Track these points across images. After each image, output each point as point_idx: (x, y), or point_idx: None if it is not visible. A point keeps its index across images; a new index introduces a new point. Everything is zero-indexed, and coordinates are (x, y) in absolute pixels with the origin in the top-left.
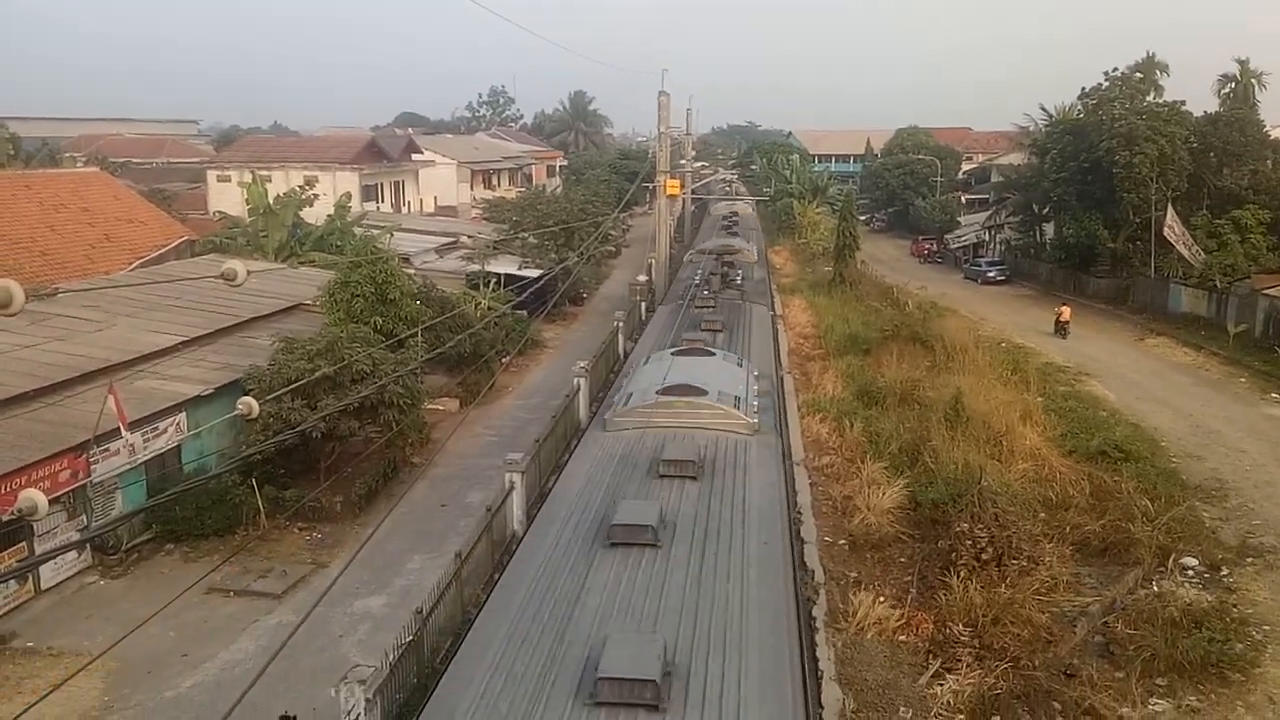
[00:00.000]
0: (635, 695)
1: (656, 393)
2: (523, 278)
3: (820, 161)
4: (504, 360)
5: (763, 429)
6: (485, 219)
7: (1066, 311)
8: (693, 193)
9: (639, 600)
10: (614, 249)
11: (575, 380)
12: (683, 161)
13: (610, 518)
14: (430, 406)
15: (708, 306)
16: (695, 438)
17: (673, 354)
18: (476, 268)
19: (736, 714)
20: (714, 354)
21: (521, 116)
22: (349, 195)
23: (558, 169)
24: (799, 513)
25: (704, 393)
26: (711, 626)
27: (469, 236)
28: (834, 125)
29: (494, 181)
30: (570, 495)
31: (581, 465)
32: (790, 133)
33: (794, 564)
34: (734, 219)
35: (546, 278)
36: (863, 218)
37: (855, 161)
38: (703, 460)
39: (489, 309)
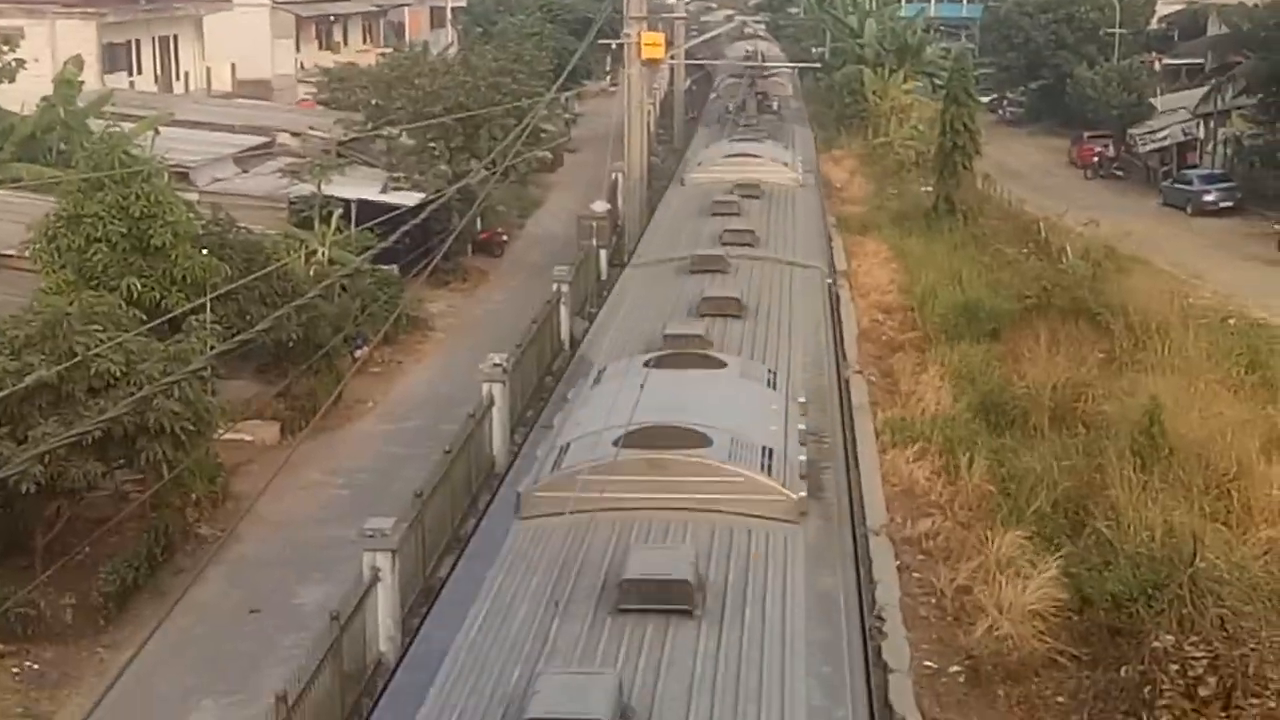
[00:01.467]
0: None
1: (615, 443)
2: (390, 207)
3: (911, 1)
4: (358, 353)
5: (817, 499)
6: (323, 103)
7: None
8: (689, 57)
9: None
10: (550, 155)
11: (484, 389)
12: (671, 1)
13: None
14: (230, 436)
15: (714, 270)
16: (687, 533)
17: (649, 365)
18: (309, 190)
19: None
20: (723, 364)
21: None
22: (80, 60)
23: (450, 13)
24: (879, 617)
25: (702, 442)
26: None
27: (295, 135)
28: None
29: (338, 37)
30: (463, 648)
31: (482, 592)
32: None
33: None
34: (762, 104)
35: (433, 207)
36: (986, 99)
37: (971, 1)
38: (702, 584)
39: (330, 263)
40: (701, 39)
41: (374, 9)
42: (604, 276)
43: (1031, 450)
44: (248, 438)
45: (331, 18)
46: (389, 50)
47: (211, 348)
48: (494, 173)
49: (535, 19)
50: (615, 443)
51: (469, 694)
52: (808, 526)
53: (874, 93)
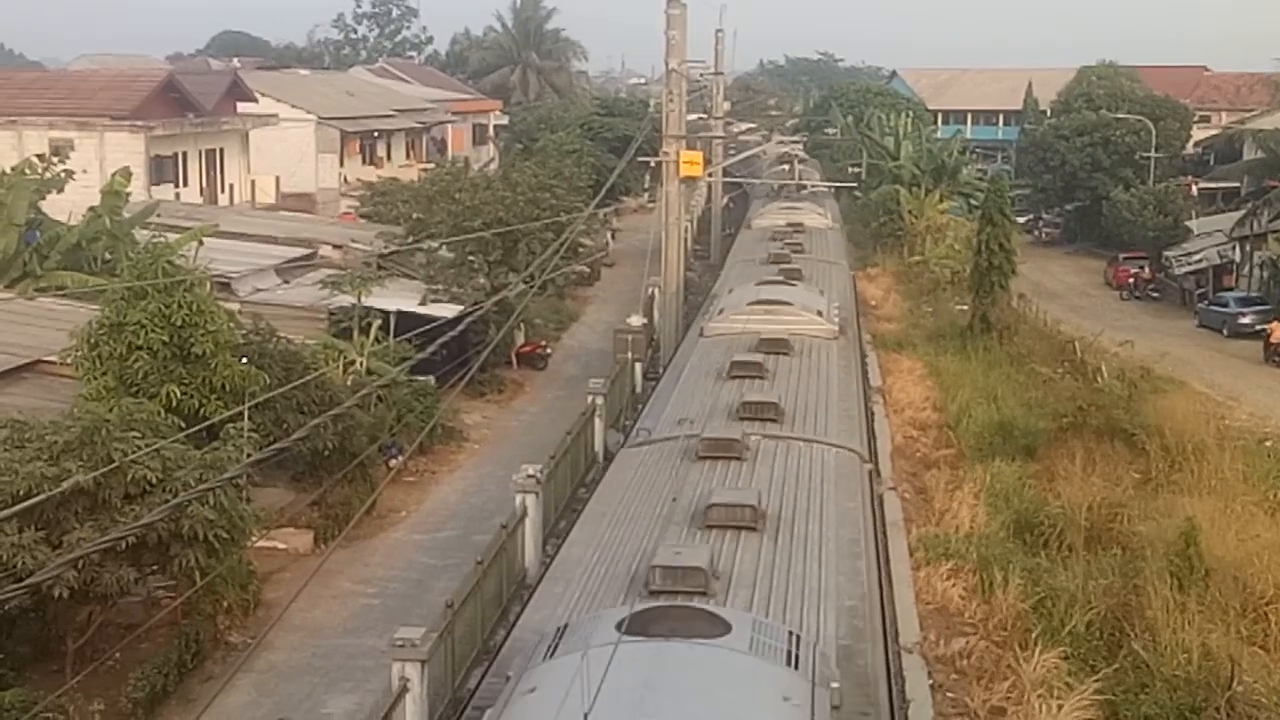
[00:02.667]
0: None
1: (616, 630)
2: (429, 319)
3: (947, 123)
4: (393, 462)
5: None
6: (365, 216)
7: None
8: (727, 175)
9: None
10: (588, 269)
11: (517, 500)
12: (708, 119)
13: None
14: (264, 544)
15: (728, 457)
16: None
17: (621, 630)
18: (348, 300)
19: None
20: (726, 627)
21: (430, 41)
22: (128, 172)
23: (492, 130)
24: None
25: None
26: None
27: (336, 247)
28: (970, 62)
29: (380, 152)
30: None
31: None
32: (895, 73)
33: None
34: (793, 241)
35: (470, 319)
36: (1021, 219)
37: (1007, 123)
38: None
39: (368, 373)
40: (739, 157)
41: (417, 125)
42: (639, 389)
43: (1066, 570)
44: (281, 545)
45: (375, 134)
46: (431, 165)
47: (248, 455)
48: (531, 286)
49: (575, 136)
50: (617, 629)
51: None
52: None
53: (910, 212)
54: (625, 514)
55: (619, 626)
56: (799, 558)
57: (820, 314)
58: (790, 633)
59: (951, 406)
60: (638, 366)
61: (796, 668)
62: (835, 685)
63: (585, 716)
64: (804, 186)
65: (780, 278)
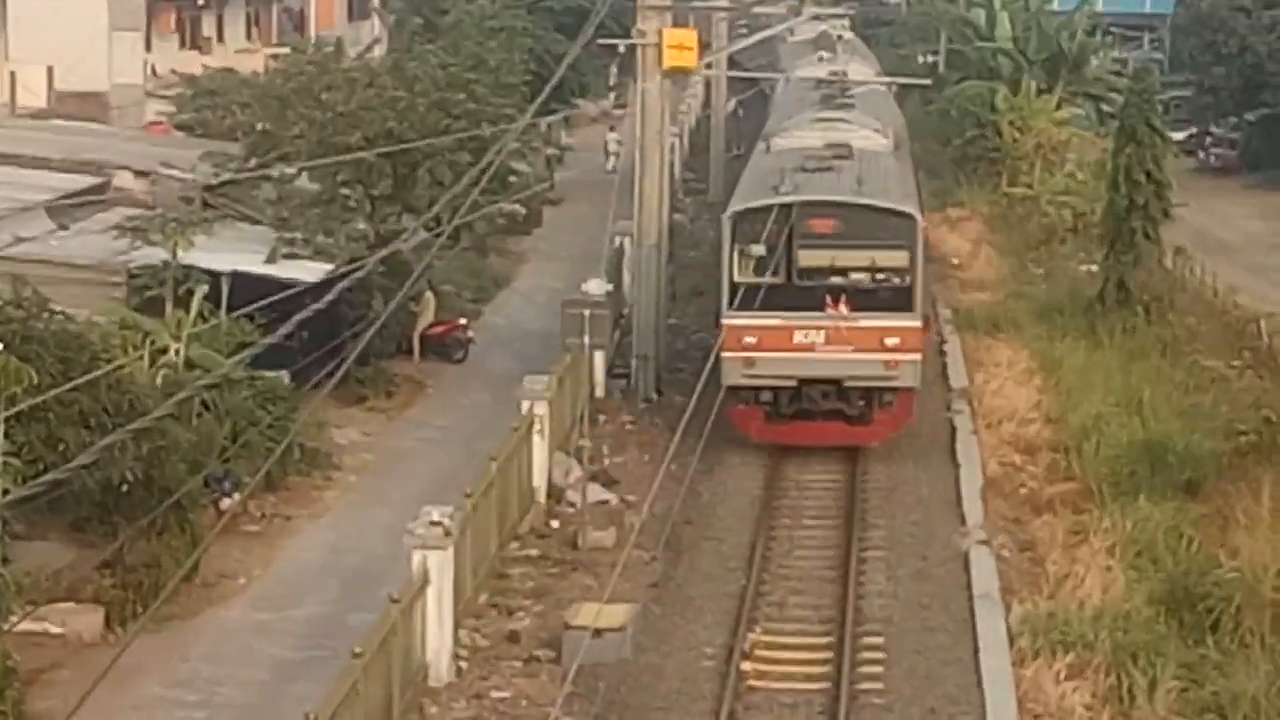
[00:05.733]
0: None
1: None
2: (281, 284)
3: None
4: (226, 502)
5: None
6: (183, 128)
7: None
8: (735, 66)
9: None
10: (523, 209)
11: (415, 559)
12: None
13: None
14: (28, 627)
15: None
16: None
17: None
18: (159, 256)
19: None
20: None
21: None
22: None
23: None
24: None
25: None
26: None
27: (140, 174)
28: None
29: (208, 31)
30: None
31: None
32: None
33: None
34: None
35: (344, 284)
36: (1180, 136)
37: None
38: None
39: (189, 367)
40: (754, 39)
41: None
42: (600, 392)
43: (1246, 666)
44: (56, 629)
45: (200, 1)
46: (285, 50)
47: (5, 492)
48: (438, 233)
49: (504, 6)
50: None
51: None
52: None
53: (1011, 123)
54: None
55: None
56: None
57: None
58: None
59: (1073, 418)
60: (598, 356)
61: None
62: None
63: None
64: (851, 86)
65: None
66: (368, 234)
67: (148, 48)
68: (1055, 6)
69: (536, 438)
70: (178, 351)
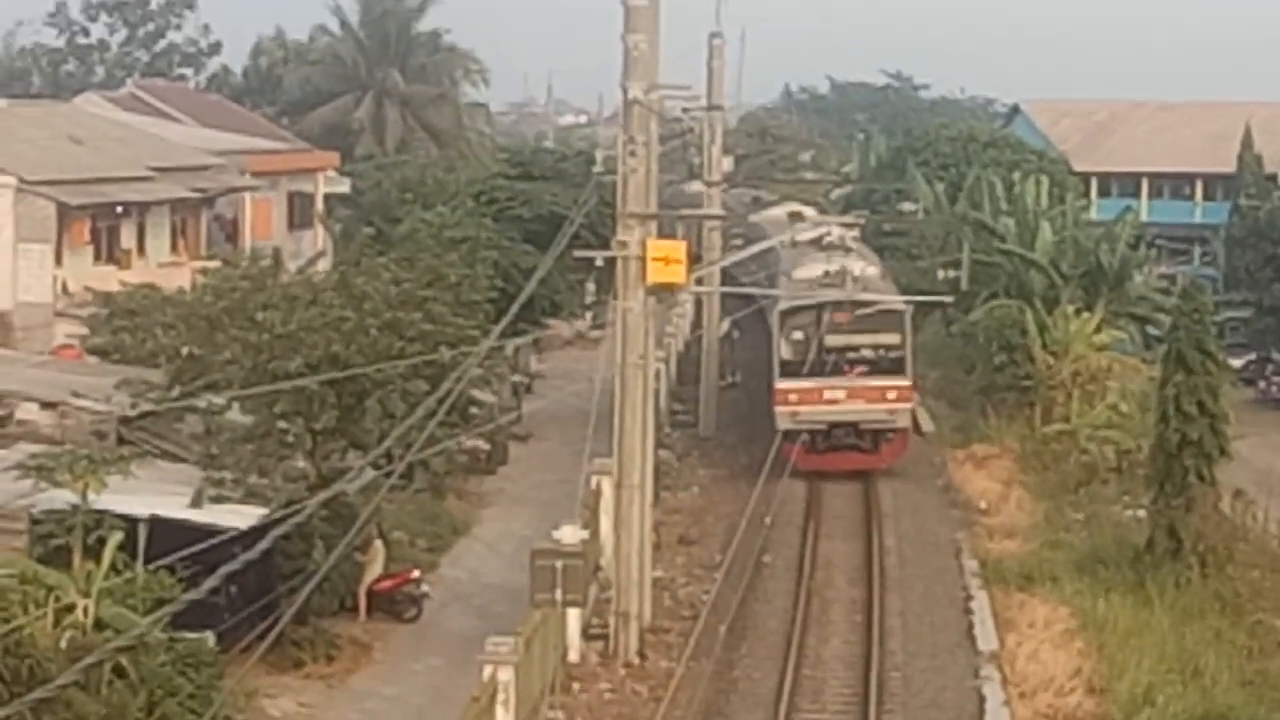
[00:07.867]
0: None
1: None
2: (208, 531)
3: (1106, 194)
4: None
5: None
6: (98, 353)
7: None
8: (728, 281)
9: None
10: (488, 445)
11: None
12: (699, 188)
13: None
14: None
15: None
16: None
17: None
18: (66, 499)
19: None
20: None
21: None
22: None
23: (322, 204)
24: None
25: None
26: None
27: (46, 406)
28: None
29: (126, 240)
30: None
31: None
32: (1017, 109)
33: None
34: None
35: (279, 531)
36: (1238, 362)
37: (1210, 196)
38: None
39: (99, 627)
40: (751, 250)
41: (192, 195)
42: (574, 656)
43: None
44: None
45: (119, 209)
46: (215, 264)
47: None
48: (388, 472)
49: (467, 213)
50: None
51: None
52: None
53: (1045, 346)
54: None
55: None
56: None
57: None
58: None
59: (1120, 688)
60: (573, 614)
61: None
62: None
63: None
64: (862, 305)
65: None
66: (308, 473)
67: (58, 262)
68: (1093, 214)
69: (500, 709)
70: (86, 609)
